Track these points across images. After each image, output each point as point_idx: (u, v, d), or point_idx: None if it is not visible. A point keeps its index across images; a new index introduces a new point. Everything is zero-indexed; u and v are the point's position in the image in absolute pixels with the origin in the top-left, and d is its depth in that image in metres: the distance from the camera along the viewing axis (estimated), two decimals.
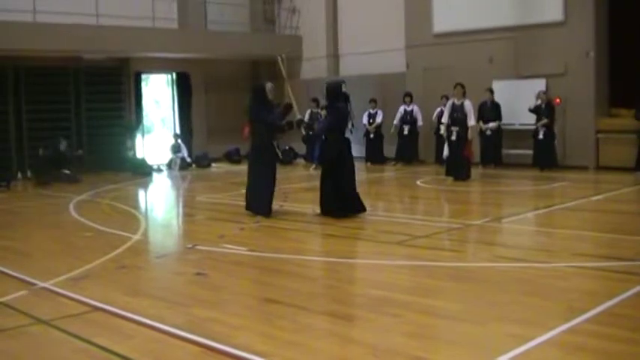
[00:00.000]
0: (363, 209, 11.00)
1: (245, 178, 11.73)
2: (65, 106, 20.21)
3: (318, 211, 11.17)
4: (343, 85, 11.40)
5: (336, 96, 11.18)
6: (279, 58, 12.60)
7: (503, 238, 9.64)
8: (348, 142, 11.13)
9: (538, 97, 16.99)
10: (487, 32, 18.42)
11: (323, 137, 11.52)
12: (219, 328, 5.54)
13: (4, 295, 6.63)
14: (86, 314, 6.03)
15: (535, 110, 17.01)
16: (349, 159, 11.04)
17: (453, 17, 19.17)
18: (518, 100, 17.70)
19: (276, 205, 12.10)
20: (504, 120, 18.05)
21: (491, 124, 17.76)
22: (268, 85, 11.49)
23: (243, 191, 13.05)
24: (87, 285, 7.01)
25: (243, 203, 11.72)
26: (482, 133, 17.70)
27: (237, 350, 5.01)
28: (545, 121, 16.85)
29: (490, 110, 17.73)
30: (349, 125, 11.23)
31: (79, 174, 17.85)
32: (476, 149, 16.86)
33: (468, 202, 13.04)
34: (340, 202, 10.88)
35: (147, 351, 5.12)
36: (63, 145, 18.02)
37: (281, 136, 13.55)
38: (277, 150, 11.78)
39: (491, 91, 17.92)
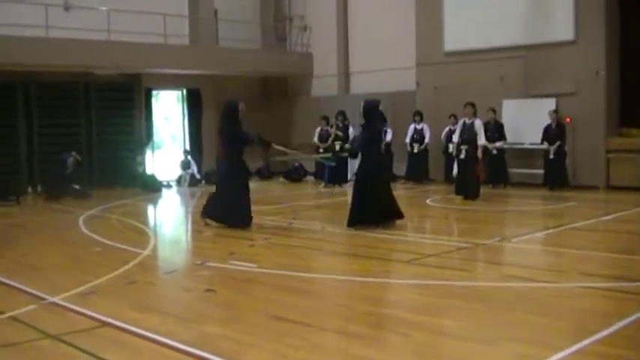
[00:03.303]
0: (399, 217, 11.52)
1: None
2: (76, 121, 20.31)
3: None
4: (380, 104, 11.92)
5: (373, 114, 11.62)
6: None
7: (512, 257, 9.60)
8: (383, 158, 11.65)
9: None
10: (498, 51, 18.45)
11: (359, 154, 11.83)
12: (229, 345, 5.54)
13: (14, 309, 6.63)
14: (95, 329, 6.03)
15: (547, 130, 17.00)
16: (384, 174, 11.54)
17: (463, 36, 19.20)
18: (528, 120, 17.71)
19: (284, 222, 12.18)
20: (515, 139, 18.04)
21: (497, 144, 17.72)
22: (241, 105, 12.05)
23: (252, 208, 13.06)
24: (96, 300, 7.01)
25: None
26: (488, 152, 17.64)
27: None
28: (558, 143, 16.80)
29: (494, 130, 17.66)
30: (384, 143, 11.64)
31: (88, 189, 17.90)
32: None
33: (478, 221, 13.00)
34: (370, 214, 11.29)
35: None
36: (71, 160, 18.03)
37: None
38: (246, 166, 12.29)
39: (494, 111, 17.90)
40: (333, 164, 16.56)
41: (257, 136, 12.27)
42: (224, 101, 12.71)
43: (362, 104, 11.71)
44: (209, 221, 12.01)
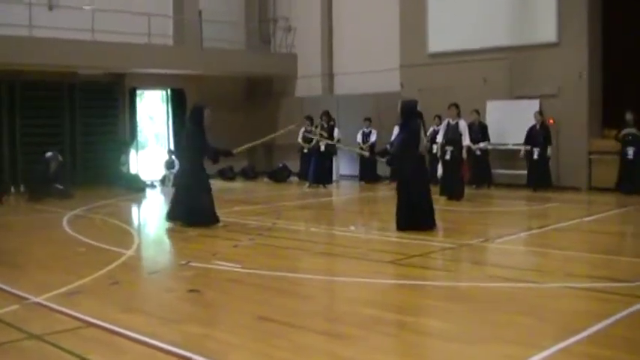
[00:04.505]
0: (434, 225, 11.31)
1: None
2: (60, 121, 20.23)
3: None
4: (417, 105, 11.86)
5: (411, 114, 11.47)
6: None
7: (496, 258, 9.62)
8: (422, 158, 11.48)
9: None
10: (481, 53, 18.52)
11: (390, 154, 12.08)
12: (213, 345, 5.52)
13: None
14: (79, 330, 5.99)
15: (530, 131, 17.08)
16: (424, 174, 11.47)
17: (447, 37, 19.26)
18: (512, 121, 17.78)
19: (269, 222, 12.17)
20: (498, 140, 18.12)
21: (481, 145, 17.78)
22: (207, 111, 11.96)
23: (236, 208, 13.04)
24: (80, 300, 6.97)
25: (235, 220, 11.73)
26: (472, 153, 17.68)
27: None
28: (549, 147, 16.88)
29: (477, 131, 17.71)
30: (422, 142, 11.53)
31: (71, 189, 17.78)
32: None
33: (462, 221, 13.04)
34: (415, 216, 11.17)
35: None
36: (54, 161, 17.86)
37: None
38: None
39: (478, 112, 17.97)
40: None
41: (214, 153, 12.19)
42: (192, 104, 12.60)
43: (400, 105, 11.61)
44: (173, 224, 12.05)
